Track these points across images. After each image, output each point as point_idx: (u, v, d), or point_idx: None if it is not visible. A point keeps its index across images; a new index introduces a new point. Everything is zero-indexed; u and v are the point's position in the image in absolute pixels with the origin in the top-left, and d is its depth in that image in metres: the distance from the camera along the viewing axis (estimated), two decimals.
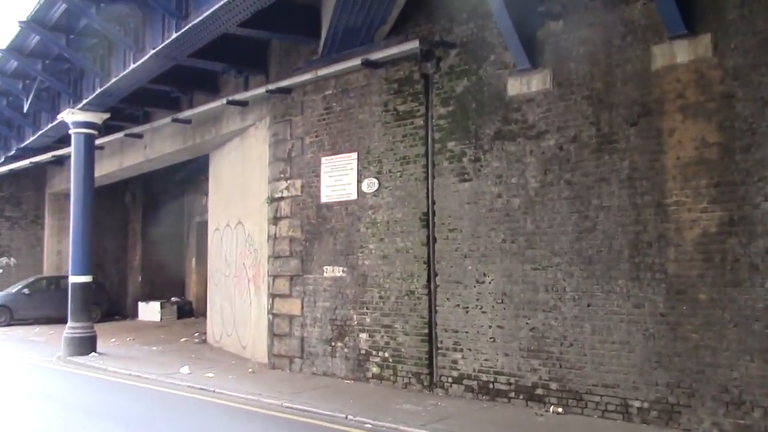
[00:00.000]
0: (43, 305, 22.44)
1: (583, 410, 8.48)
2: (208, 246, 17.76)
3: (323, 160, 11.97)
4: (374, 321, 10.95)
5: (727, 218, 7.56)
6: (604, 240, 8.46)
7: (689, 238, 7.81)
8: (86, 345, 14.80)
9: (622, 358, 8.22)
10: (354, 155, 11.46)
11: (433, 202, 10.29)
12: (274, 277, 12.74)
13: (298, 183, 12.43)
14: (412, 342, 10.42)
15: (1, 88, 18.89)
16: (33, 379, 12.91)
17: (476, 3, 9.79)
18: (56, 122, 16.96)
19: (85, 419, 9.34)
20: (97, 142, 16.65)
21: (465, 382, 9.73)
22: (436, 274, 10.19)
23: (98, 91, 14.52)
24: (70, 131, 15.70)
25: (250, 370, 12.58)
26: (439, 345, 10.09)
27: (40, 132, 19.15)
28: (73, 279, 15.14)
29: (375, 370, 10.89)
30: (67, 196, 22.57)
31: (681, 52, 7.96)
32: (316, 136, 12.18)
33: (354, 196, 11.40)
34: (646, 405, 7.99)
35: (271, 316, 12.76)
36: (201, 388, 10.95)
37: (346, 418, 8.81)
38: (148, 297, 24.92)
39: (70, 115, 15.54)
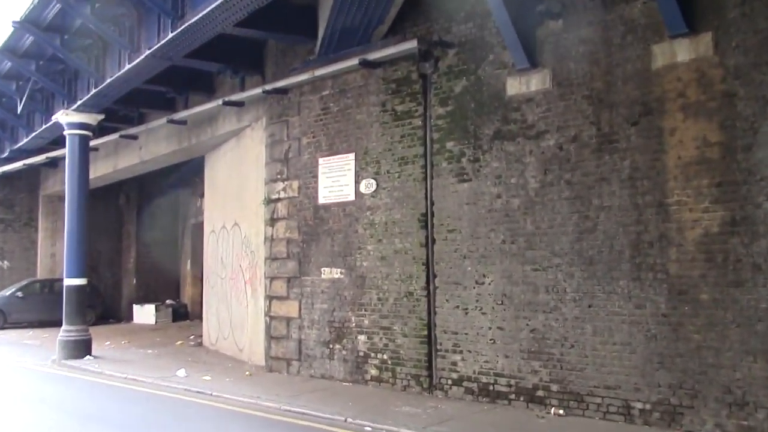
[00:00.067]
0: (36, 308, 22.27)
1: (585, 412, 8.42)
2: (204, 248, 17.64)
3: (320, 160, 11.89)
4: (373, 323, 10.87)
5: (729, 218, 7.51)
6: (605, 240, 8.40)
7: (691, 238, 7.76)
8: (81, 348, 14.67)
9: (623, 359, 8.17)
10: (351, 156, 11.38)
11: (432, 203, 10.22)
12: (271, 279, 12.65)
13: (295, 184, 12.34)
14: (411, 344, 10.35)
15: None
16: (27, 383, 12.77)
17: (474, 2, 9.74)
18: (50, 123, 16.83)
19: (81, 423, 9.24)
20: (92, 143, 16.52)
21: (465, 384, 9.66)
22: (435, 276, 10.11)
23: (93, 91, 14.41)
24: (65, 132, 15.56)
25: (247, 372, 12.48)
26: (439, 347, 10.01)
27: (33, 133, 18.99)
28: (68, 281, 14.99)
29: (374, 372, 10.81)
30: (60, 198, 22.51)
31: (682, 51, 7.92)
32: (314, 137, 12.10)
33: (352, 197, 11.32)
34: (648, 406, 7.94)
35: (268, 319, 12.66)
36: (198, 392, 10.84)
37: (346, 421, 8.72)
38: (142, 300, 24.78)
39: (64, 116, 15.41)
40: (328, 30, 11.07)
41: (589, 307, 8.49)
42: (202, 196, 20.65)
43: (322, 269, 11.69)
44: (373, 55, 10.84)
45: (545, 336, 8.86)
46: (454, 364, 9.80)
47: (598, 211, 8.48)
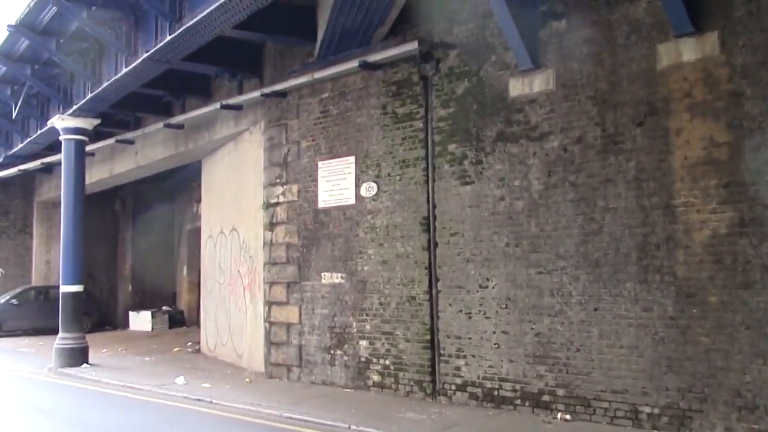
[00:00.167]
0: (32, 316, 22.07)
1: (592, 417, 8.30)
2: (202, 253, 17.49)
3: (320, 164, 11.77)
4: (374, 328, 10.73)
5: (738, 219, 7.41)
6: (610, 242, 8.30)
7: (698, 239, 7.66)
8: (78, 356, 14.48)
9: (631, 363, 8.05)
10: (352, 159, 11.27)
11: (434, 206, 10.10)
12: (271, 284, 12.50)
13: (295, 188, 12.21)
14: (413, 349, 10.21)
15: None
16: (23, 391, 12.59)
17: (476, 3, 9.65)
18: (46, 128, 16.64)
19: None
20: (88, 148, 16.36)
21: (469, 389, 9.52)
22: (437, 280, 9.99)
23: (89, 96, 14.26)
24: (61, 137, 15.41)
25: (246, 379, 12.32)
26: (442, 352, 9.88)
27: (28, 139, 18.81)
28: (64, 288, 14.82)
29: (376, 378, 10.67)
30: (55, 204, 22.35)
31: (687, 51, 7.83)
32: (313, 140, 11.98)
33: (352, 201, 11.19)
34: (656, 411, 7.82)
35: (267, 324, 12.51)
36: (197, 399, 10.67)
37: (349, 428, 8.58)
38: (138, 306, 24.57)
39: (60, 121, 15.26)
40: (327, 32, 10.96)
41: (595, 310, 8.38)
42: (198, 201, 20.50)
43: (323, 274, 11.56)
44: (374, 57, 10.74)
45: (551, 340, 8.74)
46: (458, 369, 9.67)
47: (604, 212, 8.38)
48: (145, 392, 11.61)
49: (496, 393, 9.23)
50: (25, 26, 13.29)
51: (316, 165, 11.82)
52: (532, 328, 8.91)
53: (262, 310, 12.81)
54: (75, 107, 14.96)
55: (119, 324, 24.69)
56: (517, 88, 9.30)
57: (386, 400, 10.08)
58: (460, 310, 9.68)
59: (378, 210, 10.82)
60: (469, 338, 9.56)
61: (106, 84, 13.43)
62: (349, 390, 10.89)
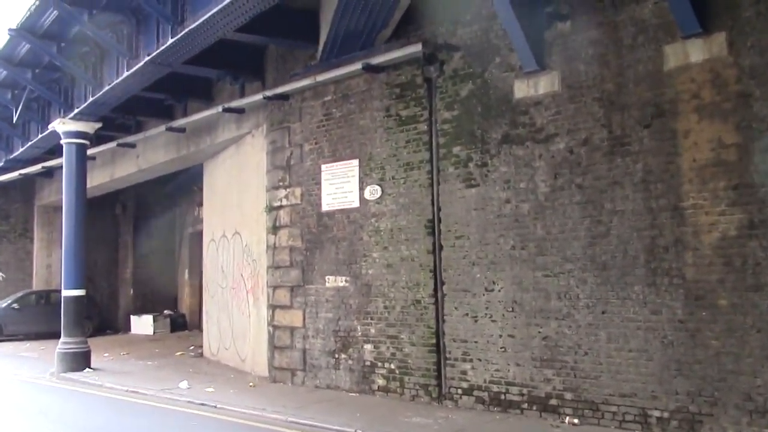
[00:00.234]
0: (33, 320, 21.95)
1: (600, 421, 8.23)
2: (204, 257, 17.42)
3: (323, 167, 11.71)
4: (379, 331, 10.67)
5: (747, 221, 7.35)
6: (618, 245, 8.24)
7: (707, 241, 7.60)
8: (80, 360, 14.41)
9: (639, 367, 7.99)
10: (355, 162, 11.21)
11: (439, 209, 10.04)
12: (274, 287, 12.44)
13: (298, 191, 12.15)
14: (419, 353, 10.15)
15: None
16: (26, 396, 12.52)
17: (480, 5, 9.60)
18: (47, 132, 16.61)
19: None
20: (89, 152, 16.28)
21: (475, 393, 9.46)
22: (443, 283, 9.93)
23: (90, 99, 14.20)
24: (62, 141, 15.34)
25: (250, 383, 12.25)
26: (448, 355, 9.82)
27: (29, 143, 18.75)
28: (66, 293, 14.74)
29: (381, 382, 10.60)
30: (56, 208, 22.26)
31: (695, 52, 7.78)
32: (316, 143, 11.92)
33: (356, 204, 11.13)
34: (666, 415, 7.75)
35: (271, 328, 12.45)
36: (201, 404, 10.60)
37: None
38: (139, 310, 24.52)
39: (61, 125, 15.20)
40: (330, 34, 10.91)
41: (603, 313, 8.32)
42: (199, 204, 20.46)
43: (327, 277, 11.49)
44: (377, 60, 10.69)
45: (558, 343, 8.68)
46: (464, 372, 9.60)
47: (611, 215, 8.32)
48: (149, 397, 11.53)
49: (503, 397, 9.16)
50: (26, 30, 13.23)
51: (320, 168, 11.76)
52: (539, 332, 8.85)
53: (266, 313, 12.75)
54: (76, 111, 14.90)
55: (120, 328, 24.63)
56: (522, 89, 9.25)
57: (392, 405, 10.01)
58: (466, 314, 9.62)
59: (382, 213, 10.75)
60: (476, 342, 9.50)
61: (107, 87, 13.38)
62: (353, 394, 10.83)
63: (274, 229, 12.52)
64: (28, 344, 20.56)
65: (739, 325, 7.33)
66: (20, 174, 21.95)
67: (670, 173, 7.89)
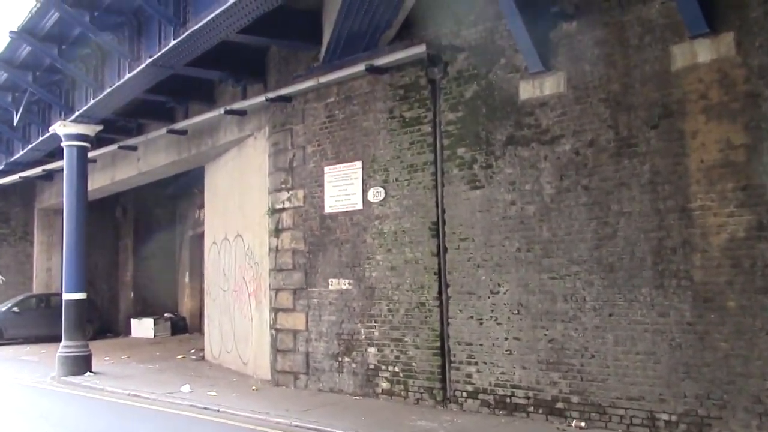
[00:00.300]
0: (33, 324, 21.86)
1: (607, 424, 8.17)
2: (205, 260, 17.35)
3: (326, 169, 11.64)
4: (383, 334, 10.59)
5: (756, 222, 7.29)
6: (625, 247, 8.17)
7: (716, 243, 7.54)
8: (81, 364, 14.32)
9: (647, 370, 7.92)
10: (358, 164, 11.14)
11: (443, 211, 9.98)
12: (277, 290, 12.36)
13: (301, 193, 12.08)
14: (423, 356, 10.07)
15: None
16: (27, 400, 12.43)
17: (485, 5, 9.54)
18: (47, 135, 16.51)
19: None
20: (89, 155, 16.22)
21: (480, 396, 9.38)
22: (447, 285, 9.86)
23: (91, 102, 14.13)
24: (62, 144, 15.26)
25: (253, 387, 12.17)
26: (452, 358, 9.74)
27: (30, 146, 18.65)
28: (67, 296, 14.66)
29: (385, 385, 10.52)
30: (56, 211, 22.19)
31: (702, 52, 7.73)
32: (319, 145, 11.86)
33: (359, 206, 11.06)
34: (674, 418, 7.69)
35: (274, 332, 12.37)
36: (204, 408, 10.51)
37: None
38: (140, 313, 24.39)
39: (62, 128, 15.13)
40: (333, 35, 10.84)
41: (610, 315, 8.25)
42: (200, 207, 20.37)
43: (330, 280, 11.42)
44: (380, 61, 10.63)
45: (564, 346, 8.61)
46: (469, 376, 9.53)
47: (618, 216, 8.25)
48: (151, 401, 11.45)
49: (508, 400, 9.09)
50: (27, 32, 13.15)
51: (322, 170, 11.70)
52: (545, 334, 8.78)
53: (268, 316, 12.68)
54: (77, 113, 14.82)
55: (121, 331, 24.50)
56: (527, 90, 9.19)
57: (396, 408, 9.94)
58: (471, 316, 9.55)
59: (386, 215, 10.69)
60: (481, 345, 9.43)
61: (108, 90, 13.31)
62: (357, 397, 10.75)
63: (277, 231, 12.45)
64: (28, 348, 20.46)
65: (748, 328, 7.27)
66: (20, 177, 21.83)
67: (678, 174, 7.83)
